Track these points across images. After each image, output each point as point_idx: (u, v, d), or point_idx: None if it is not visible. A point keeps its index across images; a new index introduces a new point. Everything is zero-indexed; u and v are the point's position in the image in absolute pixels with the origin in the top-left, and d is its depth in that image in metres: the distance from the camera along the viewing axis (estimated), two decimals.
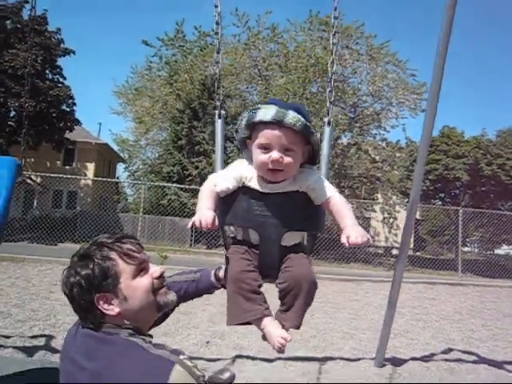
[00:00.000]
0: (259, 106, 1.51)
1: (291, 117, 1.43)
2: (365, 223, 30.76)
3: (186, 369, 1.12)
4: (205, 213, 1.42)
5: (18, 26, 19.88)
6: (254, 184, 1.55)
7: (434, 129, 4.38)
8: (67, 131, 22.62)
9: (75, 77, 64.16)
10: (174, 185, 20.16)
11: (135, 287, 1.27)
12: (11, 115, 20.81)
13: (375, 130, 22.89)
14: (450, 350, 5.21)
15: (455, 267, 14.84)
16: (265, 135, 1.46)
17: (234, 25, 21.74)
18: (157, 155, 27.12)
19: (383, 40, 21.53)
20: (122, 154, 30.89)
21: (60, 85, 22.36)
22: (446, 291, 10.40)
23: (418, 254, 20.64)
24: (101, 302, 1.23)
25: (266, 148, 1.46)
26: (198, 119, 23.28)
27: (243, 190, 1.56)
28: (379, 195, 23.76)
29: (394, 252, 25.95)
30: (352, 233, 1.43)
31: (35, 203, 24.14)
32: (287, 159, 1.45)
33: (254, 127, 1.50)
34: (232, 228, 1.70)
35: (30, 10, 3.58)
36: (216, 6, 2.31)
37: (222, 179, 1.57)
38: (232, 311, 1.57)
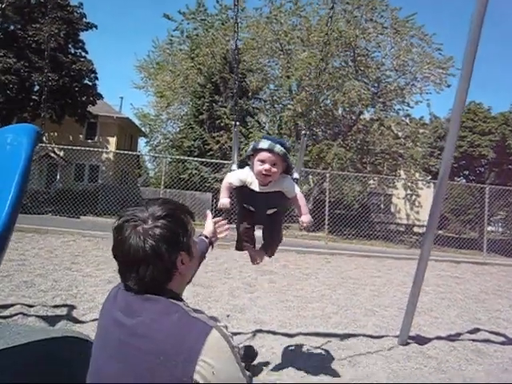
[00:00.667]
0: (259, 140, 2.60)
1: (278, 147, 2.51)
2: (386, 200, 30.50)
3: (222, 335, 1.13)
4: (222, 200, 2.65)
5: (41, 0, 19.79)
6: (253, 186, 2.63)
7: None
8: (89, 105, 22.73)
9: (97, 51, 64.21)
10: (195, 159, 20.11)
11: (196, 247, 1.37)
12: (35, 90, 20.93)
13: (398, 106, 22.47)
14: (477, 329, 5.07)
15: (479, 246, 14.58)
16: (262, 155, 2.52)
17: None
18: (178, 130, 27.19)
19: (408, 13, 20.86)
20: (143, 129, 31.02)
21: (82, 59, 22.41)
22: (470, 270, 10.22)
23: (440, 232, 20.30)
24: (180, 260, 1.24)
25: (262, 161, 2.52)
26: (220, 93, 23.12)
27: (247, 188, 2.66)
28: (401, 172, 23.38)
29: (416, 230, 25.74)
30: (305, 218, 2.64)
31: (58, 176, 24.52)
32: (273, 169, 2.52)
33: (257, 150, 2.56)
34: (244, 205, 2.90)
35: None
36: None
37: (234, 178, 2.68)
38: (238, 244, 3.08)
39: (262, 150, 2.53)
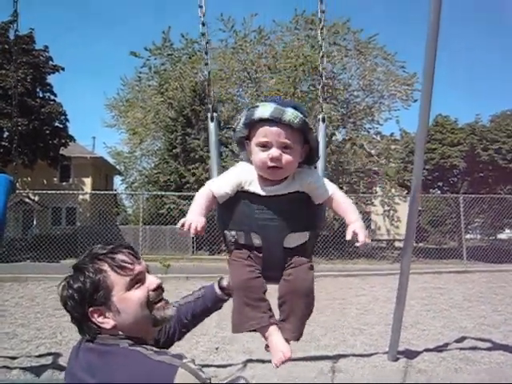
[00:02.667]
0: (258, 104, 1.50)
1: (289, 113, 1.42)
2: (365, 217, 30.78)
3: (190, 371, 1.08)
4: (195, 218, 1.44)
5: (6, 46, 19.81)
6: (254, 188, 1.53)
7: None
8: (62, 148, 22.59)
9: (66, 93, 64.13)
10: (173, 193, 20.07)
11: (128, 300, 1.21)
12: (4, 136, 20.74)
13: (369, 124, 23.00)
14: (464, 338, 5.14)
15: (459, 255, 14.78)
16: (263, 133, 1.45)
17: (221, 30, 21.82)
18: (153, 165, 27.12)
19: (370, 34, 21.58)
20: (118, 167, 30.87)
21: (51, 102, 22.40)
22: (452, 279, 10.35)
23: (420, 244, 20.55)
24: (95, 315, 1.19)
25: (264, 146, 1.46)
26: (192, 126, 23.26)
27: (243, 194, 1.54)
28: (378, 189, 23.74)
29: (397, 244, 25.96)
30: (361, 233, 1.44)
31: (35, 222, 24.07)
32: (286, 156, 1.45)
33: (253, 125, 1.50)
34: (233, 232, 1.63)
35: (15, 30, 3.50)
36: (200, 7, 2.25)
37: (221, 185, 1.55)
38: (237, 319, 1.56)
39: (262, 121, 1.46)
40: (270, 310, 1.54)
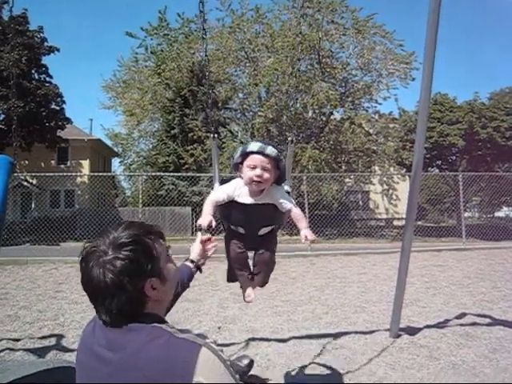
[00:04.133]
0: (249, 142, 2.30)
1: (269, 149, 2.21)
2: (364, 197, 30.85)
3: (212, 352, 1.10)
4: (205, 218, 2.18)
5: None
6: (242, 199, 2.31)
7: None
8: (59, 130, 22.41)
9: (62, 75, 63.46)
10: (171, 174, 20.03)
11: (170, 269, 1.30)
12: (0, 118, 20.56)
13: (367, 103, 22.79)
14: (464, 314, 5.18)
15: (458, 233, 14.84)
16: (252, 159, 2.22)
17: (217, 9, 21.45)
18: (151, 146, 27.00)
19: (369, 13, 21.26)
20: (115, 149, 30.74)
21: (47, 84, 22.12)
22: (452, 257, 10.41)
23: (419, 223, 20.64)
24: (149, 287, 1.19)
25: (252, 168, 2.21)
26: (189, 107, 23.11)
27: (234, 202, 2.32)
28: (376, 168, 23.70)
29: (395, 223, 26.08)
30: (309, 235, 2.25)
31: (33, 205, 24.07)
32: (265, 175, 2.21)
33: (246, 155, 2.25)
34: (228, 223, 2.53)
35: (9, 10, 3.41)
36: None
37: (220, 194, 2.34)
38: (230, 275, 2.68)
39: (251, 153, 2.22)
40: (250, 269, 2.55)
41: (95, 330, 1.22)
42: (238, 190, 2.32)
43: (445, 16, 3.95)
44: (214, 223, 2.15)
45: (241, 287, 2.63)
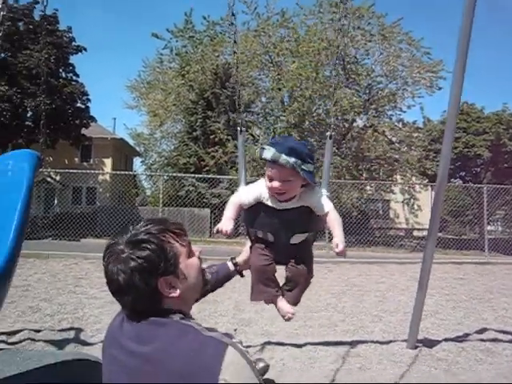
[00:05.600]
0: (264, 146, 1.95)
1: (282, 159, 1.82)
2: (384, 206, 30.51)
3: (239, 351, 1.10)
4: (226, 223, 1.91)
5: (30, 26, 19.99)
6: (270, 203, 1.98)
7: None
8: (83, 128, 22.78)
9: (88, 74, 64.51)
10: (192, 175, 20.18)
11: (191, 266, 1.28)
12: (28, 115, 20.99)
13: (391, 111, 22.51)
14: (485, 329, 5.08)
15: (480, 246, 14.57)
16: (269, 170, 1.91)
17: (243, 12, 21.49)
18: (172, 147, 27.20)
19: (395, 19, 21.09)
20: (137, 148, 31.10)
21: (74, 82, 22.52)
22: (473, 271, 10.22)
23: (440, 234, 20.29)
24: (164, 285, 1.19)
25: (270, 179, 1.90)
26: (212, 109, 23.22)
27: (262, 205, 2.00)
28: (398, 177, 23.43)
29: (416, 233, 25.74)
30: (340, 244, 1.92)
31: (56, 201, 24.46)
32: (285, 186, 1.88)
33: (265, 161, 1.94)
34: (254, 230, 2.11)
35: (42, 10, 3.49)
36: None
37: (245, 196, 2.03)
38: (254, 291, 2.13)
39: (267, 161, 1.91)
40: (278, 286, 2.12)
41: (123, 323, 1.23)
42: (266, 193, 1.98)
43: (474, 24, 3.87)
44: (232, 230, 1.89)
45: (278, 307, 2.13)
